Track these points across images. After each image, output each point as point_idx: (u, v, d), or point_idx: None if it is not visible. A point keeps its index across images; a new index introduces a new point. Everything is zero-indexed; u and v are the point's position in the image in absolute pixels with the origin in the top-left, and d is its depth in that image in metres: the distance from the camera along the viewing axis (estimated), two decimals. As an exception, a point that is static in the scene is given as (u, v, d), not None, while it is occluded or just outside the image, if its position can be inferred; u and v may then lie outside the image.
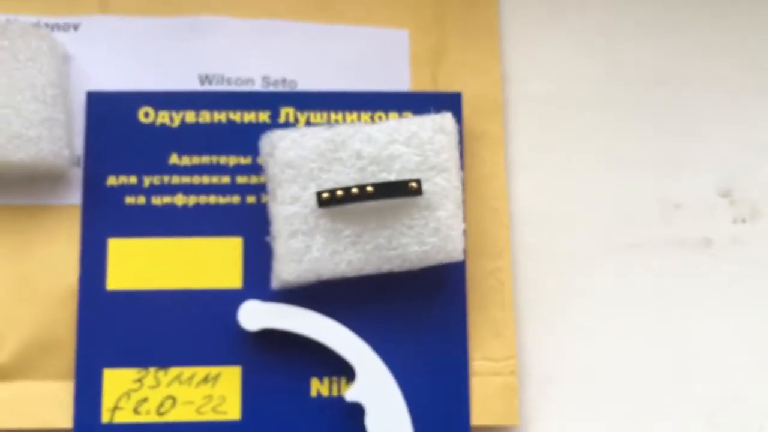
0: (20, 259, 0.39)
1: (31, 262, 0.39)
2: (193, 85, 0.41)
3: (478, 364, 0.39)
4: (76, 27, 0.41)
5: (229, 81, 0.41)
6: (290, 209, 0.37)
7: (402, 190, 0.37)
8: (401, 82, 0.42)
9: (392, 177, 0.37)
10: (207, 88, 0.41)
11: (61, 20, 0.41)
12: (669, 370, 0.40)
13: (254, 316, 0.38)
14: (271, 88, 0.41)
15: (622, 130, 0.42)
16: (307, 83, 0.41)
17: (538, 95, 0.42)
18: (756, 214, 0.42)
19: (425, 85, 0.42)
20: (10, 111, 0.38)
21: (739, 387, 0.40)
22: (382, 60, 0.42)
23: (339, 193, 0.37)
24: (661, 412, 0.40)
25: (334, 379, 0.38)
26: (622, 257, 0.41)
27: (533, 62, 0.43)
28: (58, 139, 0.38)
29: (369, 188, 0.37)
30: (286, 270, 0.37)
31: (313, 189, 0.37)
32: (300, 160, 0.37)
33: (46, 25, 0.41)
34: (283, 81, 0.41)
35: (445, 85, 0.42)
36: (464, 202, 0.39)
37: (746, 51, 0.43)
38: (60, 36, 0.41)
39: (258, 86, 0.41)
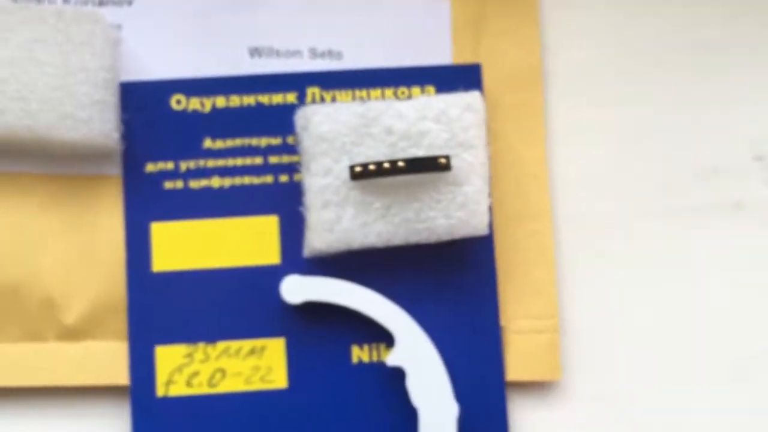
0: (80, 229, 0.40)
1: (90, 230, 0.40)
2: (243, 57, 0.41)
3: (522, 322, 0.40)
4: (130, 2, 0.41)
5: (278, 53, 0.41)
6: (323, 181, 0.38)
7: (432, 165, 0.38)
8: (443, 52, 0.42)
9: (421, 152, 0.38)
10: (256, 60, 0.41)
11: None
12: (702, 329, 0.41)
13: (296, 289, 0.39)
14: (318, 60, 0.41)
15: (660, 96, 0.43)
16: (353, 54, 0.42)
17: (576, 62, 0.43)
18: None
19: (466, 55, 0.42)
20: (64, 92, 0.38)
21: (765, 344, 0.41)
22: (425, 30, 0.42)
23: (371, 167, 0.38)
24: (692, 368, 0.41)
25: (374, 345, 0.40)
26: (659, 221, 0.42)
27: (572, 29, 0.43)
28: (108, 121, 0.39)
29: (400, 163, 0.38)
30: (317, 239, 0.38)
31: (345, 162, 0.38)
32: (333, 133, 0.38)
33: (101, 1, 0.41)
34: (330, 52, 0.42)
35: (486, 54, 0.42)
36: (491, 176, 0.40)
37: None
38: (114, 11, 0.41)
39: (305, 58, 0.41)
